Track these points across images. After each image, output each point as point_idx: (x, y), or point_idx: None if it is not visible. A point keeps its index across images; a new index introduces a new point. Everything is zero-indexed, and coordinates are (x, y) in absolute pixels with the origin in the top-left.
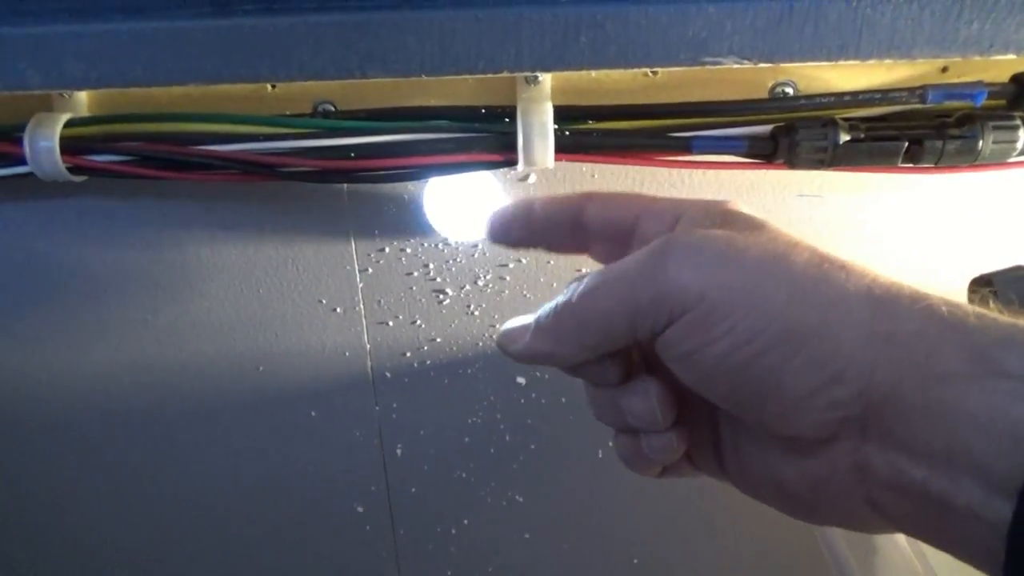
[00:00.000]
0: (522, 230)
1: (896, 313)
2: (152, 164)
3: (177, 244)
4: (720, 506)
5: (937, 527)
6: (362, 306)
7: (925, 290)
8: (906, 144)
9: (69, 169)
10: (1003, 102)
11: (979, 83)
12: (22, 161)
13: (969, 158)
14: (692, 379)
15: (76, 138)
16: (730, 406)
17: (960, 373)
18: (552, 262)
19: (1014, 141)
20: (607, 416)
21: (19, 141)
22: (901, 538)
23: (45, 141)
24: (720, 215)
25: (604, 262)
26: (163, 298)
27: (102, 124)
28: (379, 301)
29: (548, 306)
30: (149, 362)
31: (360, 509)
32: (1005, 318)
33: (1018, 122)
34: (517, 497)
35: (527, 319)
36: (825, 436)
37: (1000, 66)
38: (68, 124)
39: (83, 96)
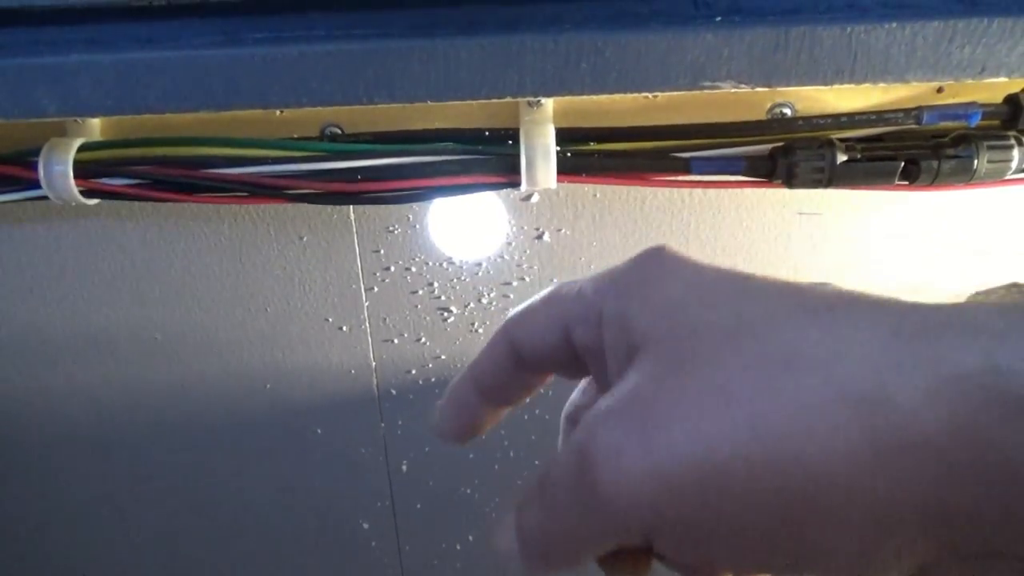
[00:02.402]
0: (479, 406)
1: (895, 402)
2: (163, 187)
3: (186, 264)
4: None
5: None
6: (368, 324)
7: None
8: (902, 164)
9: (82, 192)
10: (997, 122)
11: (973, 104)
12: (37, 185)
13: (965, 177)
14: (729, 570)
15: (89, 162)
16: None
17: (1020, 446)
18: (555, 279)
19: (1008, 160)
20: None
21: (34, 166)
22: None
23: (59, 165)
24: (640, 316)
25: (580, 378)
26: (172, 317)
27: (114, 148)
28: (385, 319)
29: (519, 519)
30: (158, 379)
31: (366, 525)
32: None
33: (1012, 142)
34: None
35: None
36: (917, 570)
37: (994, 87)
38: (81, 148)
39: (96, 121)
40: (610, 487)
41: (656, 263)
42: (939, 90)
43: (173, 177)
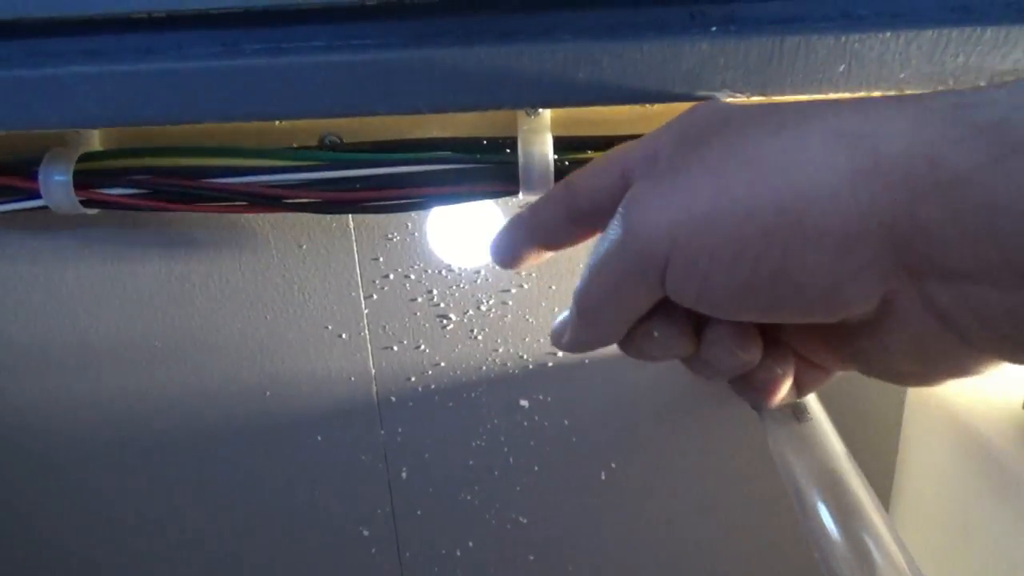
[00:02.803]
0: (527, 244)
1: (876, 138)
2: (162, 197)
3: (186, 273)
4: (726, 528)
5: None
6: (367, 332)
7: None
8: None
9: (82, 202)
10: None
11: None
12: (37, 195)
13: None
14: (724, 314)
15: (89, 172)
16: (776, 319)
17: (976, 166)
18: (554, 287)
19: None
20: (710, 375)
21: (34, 176)
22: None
23: (60, 176)
24: (683, 136)
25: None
26: (170, 325)
27: (114, 158)
28: (384, 327)
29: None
30: (157, 387)
31: (366, 532)
32: (991, 87)
33: None
34: (521, 519)
35: (566, 312)
36: (879, 300)
37: None
38: (81, 159)
39: (95, 131)
40: (640, 216)
41: (699, 106)
42: None
43: (173, 187)
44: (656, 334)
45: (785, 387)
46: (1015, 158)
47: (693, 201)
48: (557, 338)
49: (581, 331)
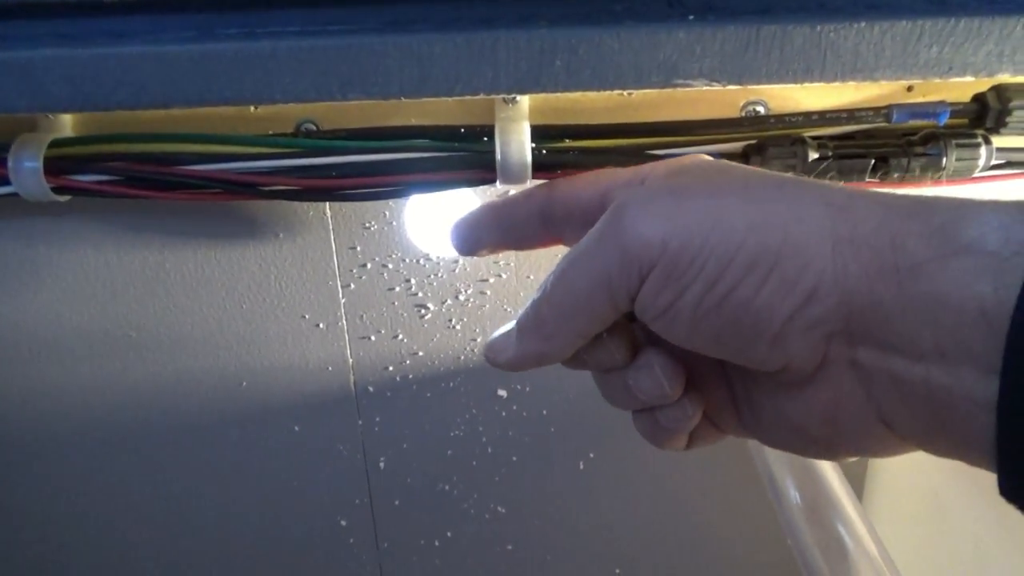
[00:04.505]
0: (491, 232)
1: (855, 215)
2: (136, 184)
3: (160, 261)
4: (703, 517)
5: (944, 426)
6: (344, 321)
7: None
8: (873, 161)
9: (53, 189)
10: (966, 120)
11: (942, 103)
12: (6, 181)
13: (934, 174)
14: (678, 335)
15: (60, 158)
16: (721, 353)
17: (927, 259)
18: (532, 277)
19: (976, 158)
20: (619, 400)
21: (3, 162)
22: (873, 548)
23: (30, 162)
24: (681, 170)
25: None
26: (145, 315)
27: (86, 144)
28: (361, 316)
29: (526, 307)
30: (132, 379)
31: (344, 523)
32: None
33: (980, 140)
34: (500, 509)
35: (508, 327)
36: (818, 359)
37: (963, 85)
38: (52, 144)
39: (67, 117)
40: (637, 219)
41: (695, 157)
42: (909, 89)
43: (146, 173)
44: (606, 342)
45: (685, 433)
46: (956, 259)
47: (692, 217)
48: (496, 354)
49: (532, 344)
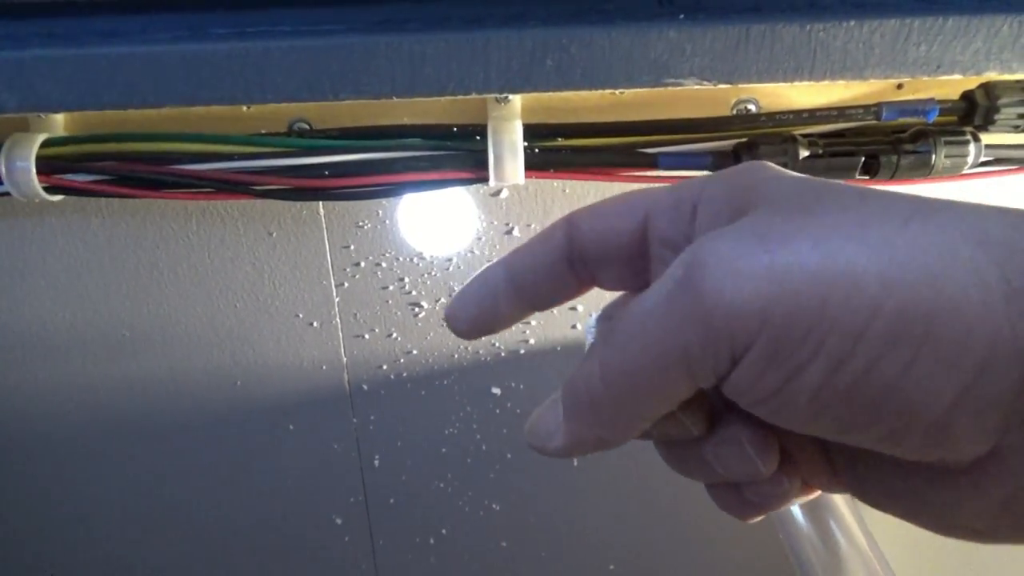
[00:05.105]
0: (509, 300)
1: None
2: (128, 183)
3: (153, 261)
4: (697, 512)
5: None
6: (339, 320)
7: None
8: (863, 159)
9: (45, 189)
10: (954, 118)
11: (931, 100)
12: None
13: (923, 172)
14: (790, 423)
15: (52, 158)
16: (853, 442)
17: None
18: None
19: (965, 155)
20: (693, 472)
21: None
22: (865, 544)
23: (22, 161)
24: (748, 192)
25: (621, 289)
26: (140, 314)
27: (78, 144)
28: (355, 315)
29: (574, 379)
30: (126, 377)
31: (339, 521)
32: None
33: (968, 137)
34: (494, 506)
35: (553, 400)
36: (988, 447)
37: (952, 83)
38: (44, 144)
39: (59, 117)
40: (723, 283)
41: (754, 165)
42: (899, 87)
43: (138, 173)
44: (679, 418)
45: (780, 507)
46: None
47: (798, 275)
48: (543, 442)
49: (586, 429)
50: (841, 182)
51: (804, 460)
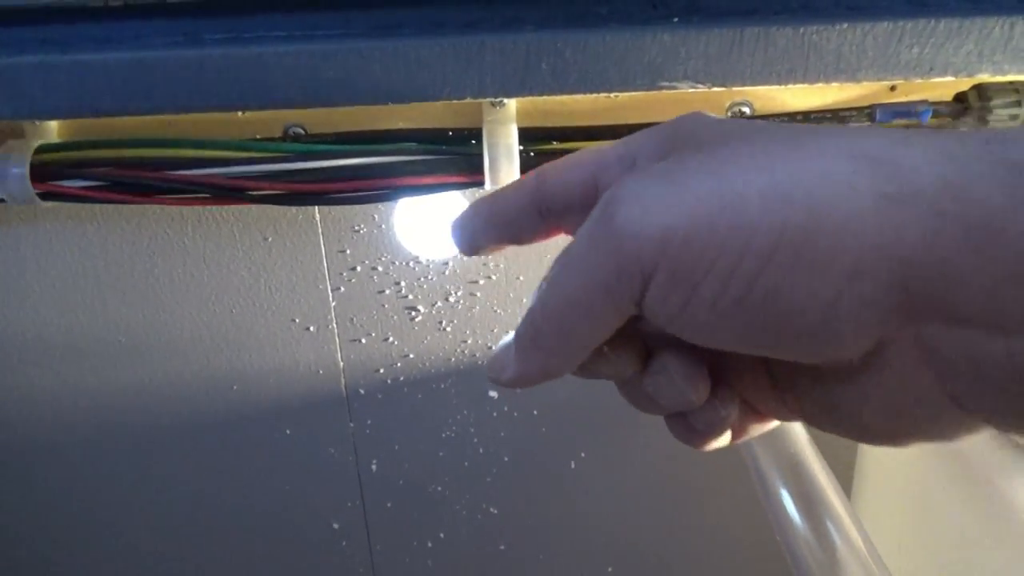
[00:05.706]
0: (486, 231)
1: (901, 164)
2: (123, 189)
3: (149, 267)
4: (694, 514)
5: None
6: (335, 324)
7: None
8: None
9: (40, 195)
10: (948, 119)
11: (924, 102)
12: None
13: None
14: (699, 338)
15: (47, 164)
16: (755, 351)
17: (1007, 207)
18: (521, 278)
19: None
20: (645, 407)
21: None
22: (860, 542)
23: (16, 168)
24: (678, 139)
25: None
26: (135, 320)
27: (72, 150)
28: (352, 319)
29: (523, 318)
30: (122, 383)
31: (336, 525)
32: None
33: None
34: (492, 509)
35: (508, 339)
36: (872, 343)
37: (945, 85)
38: (39, 150)
39: (53, 123)
40: (630, 216)
41: (690, 115)
42: (892, 89)
43: (133, 179)
44: (608, 355)
45: (724, 433)
46: None
47: (692, 204)
48: (498, 373)
49: (532, 360)
50: (768, 122)
51: (749, 385)
